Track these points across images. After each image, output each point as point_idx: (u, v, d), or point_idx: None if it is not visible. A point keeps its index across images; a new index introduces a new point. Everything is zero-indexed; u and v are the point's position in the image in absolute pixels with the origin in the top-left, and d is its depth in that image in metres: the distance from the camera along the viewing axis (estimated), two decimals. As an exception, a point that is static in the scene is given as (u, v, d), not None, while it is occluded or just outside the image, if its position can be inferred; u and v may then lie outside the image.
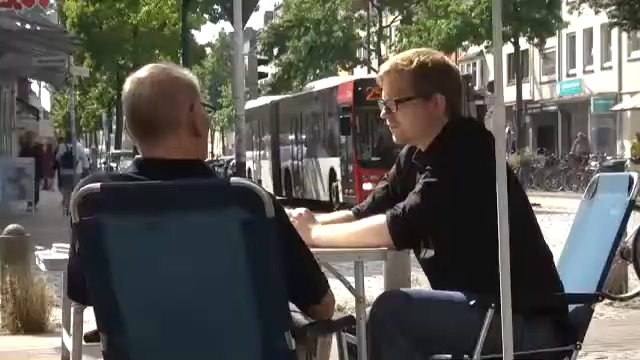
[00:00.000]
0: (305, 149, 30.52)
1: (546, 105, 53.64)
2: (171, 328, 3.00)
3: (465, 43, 49.10)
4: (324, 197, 28.05)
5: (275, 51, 60.02)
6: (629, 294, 9.09)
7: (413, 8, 54.36)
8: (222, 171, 43.94)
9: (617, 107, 46.67)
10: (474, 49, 50.67)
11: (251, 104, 36.21)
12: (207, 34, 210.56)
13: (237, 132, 24.83)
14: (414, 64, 3.79)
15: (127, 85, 3.09)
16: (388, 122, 3.86)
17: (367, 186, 24.27)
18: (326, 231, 3.76)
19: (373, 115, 22.49)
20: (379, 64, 40.76)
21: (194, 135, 3.10)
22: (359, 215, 3.93)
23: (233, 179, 2.91)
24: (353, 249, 3.64)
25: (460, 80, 3.90)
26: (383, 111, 3.87)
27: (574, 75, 51.25)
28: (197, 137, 3.11)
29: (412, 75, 3.78)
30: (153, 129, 3.07)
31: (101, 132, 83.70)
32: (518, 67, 48.65)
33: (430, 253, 3.79)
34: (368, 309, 3.64)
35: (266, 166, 34.17)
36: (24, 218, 20.69)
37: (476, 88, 31.49)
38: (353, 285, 3.59)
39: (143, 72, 3.11)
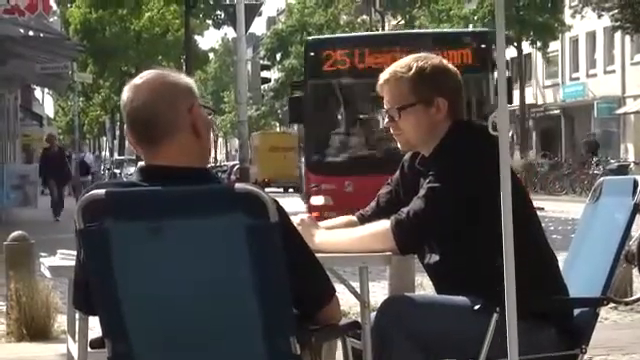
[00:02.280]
0: None
1: (549, 109, 53.63)
2: (176, 334, 3.00)
3: (468, 47, 49.04)
4: None
5: (278, 56, 60.09)
6: (634, 298, 9.08)
7: (415, 13, 54.38)
8: (225, 177, 43.95)
9: (621, 110, 46.67)
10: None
11: None
12: (210, 40, 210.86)
13: (240, 137, 24.85)
14: (413, 70, 3.79)
15: (125, 93, 3.12)
16: (392, 130, 3.86)
17: (317, 200, 16.68)
18: (330, 236, 3.76)
19: (332, 91, 17.45)
20: (382, 69, 40.63)
21: (195, 136, 3.11)
22: (363, 220, 3.93)
23: (237, 185, 2.91)
24: (357, 254, 3.63)
25: (460, 82, 3.90)
26: (386, 120, 3.87)
27: (577, 79, 51.24)
28: (198, 138, 3.12)
29: (412, 81, 3.79)
30: (153, 134, 3.08)
31: (104, 138, 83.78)
32: (521, 71, 48.64)
33: (434, 258, 3.79)
34: (373, 314, 3.64)
35: None
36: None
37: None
38: (358, 290, 3.59)
39: (139, 79, 3.14)
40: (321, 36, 22.01)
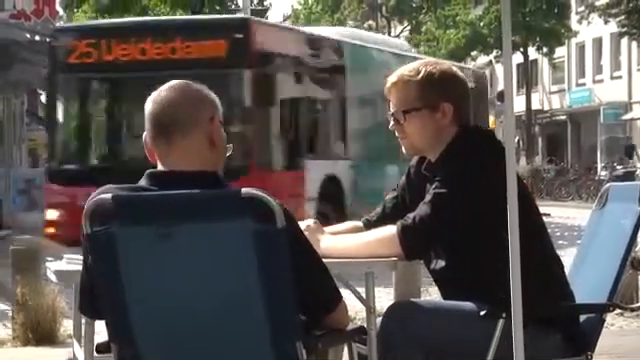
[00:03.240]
0: None
1: (556, 115, 53.62)
2: (183, 339, 3.00)
3: (474, 53, 49.14)
4: None
5: (284, 61, 60.08)
6: (640, 304, 9.07)
7: (422, 18, 54.42)
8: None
9: (627, 116, 46.64)
10: (483, 59, 50.70)
11: None
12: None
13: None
14: (421, 74, 3.79)
15: (150, 98, 3.15)
16: (397, 134, 3.86)
17: (52, 214, 14.68)
18: (336, 242, 3.76)
19: (79, 87, 15.75)
20: (388, 74, 40.64)
21: (210, 146, 3.12)
22: (369, 226, 3.93)
23: (244, 190, 2.91)
24: (363, 259, 3.63)
25: (468, 89, 3.90)
26: (392, 123, 3.87)
27: (584, 84, 51.22)
28: (213, 148, 3.13)
29: (419, 85, 3.79)
30: (172, 130, 3.09)
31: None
32: (527, 77, 48.67)
33: (440, 263, 3.79)
34: (379, 319, 3.63)
35: None
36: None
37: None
38: (363, 295, 3.59)
39: (167, 85, 3.19)
40: (67, 24, 19.85)
